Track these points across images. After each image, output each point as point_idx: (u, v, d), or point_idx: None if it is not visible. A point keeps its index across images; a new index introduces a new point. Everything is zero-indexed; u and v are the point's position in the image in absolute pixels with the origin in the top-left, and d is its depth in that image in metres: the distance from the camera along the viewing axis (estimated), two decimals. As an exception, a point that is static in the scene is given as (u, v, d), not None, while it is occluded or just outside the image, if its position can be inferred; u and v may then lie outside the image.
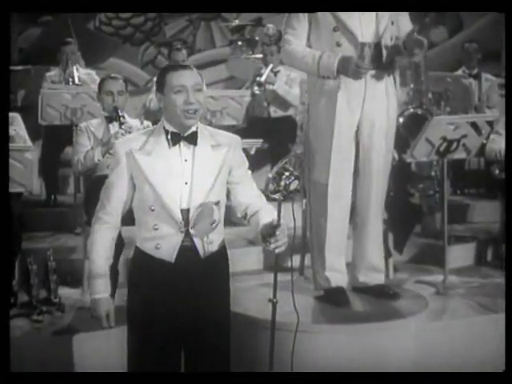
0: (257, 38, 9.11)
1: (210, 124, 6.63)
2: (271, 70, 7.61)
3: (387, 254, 5.35)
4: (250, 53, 9.00)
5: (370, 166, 4.73)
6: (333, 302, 4.71)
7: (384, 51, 4.61)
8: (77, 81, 7.36)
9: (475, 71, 7.82)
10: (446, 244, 5.50)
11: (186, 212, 3.38)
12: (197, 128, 3.43)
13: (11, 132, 5.23)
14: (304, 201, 5.33)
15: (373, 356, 4.35)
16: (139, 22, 10.29)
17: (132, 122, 5.26)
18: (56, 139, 6.98)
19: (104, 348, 4.46)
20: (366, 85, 4.62)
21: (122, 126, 5.08)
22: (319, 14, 4.59)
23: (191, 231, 3.39)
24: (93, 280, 3.45)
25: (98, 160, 5.01)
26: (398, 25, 4.67)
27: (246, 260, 5.95)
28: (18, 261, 5.15)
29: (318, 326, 4.48)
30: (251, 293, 4.95)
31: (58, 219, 6.66)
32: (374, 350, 4.37)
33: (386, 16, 4.59)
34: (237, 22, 9.66)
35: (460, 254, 6.19)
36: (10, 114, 5.24)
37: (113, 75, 5.39)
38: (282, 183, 3.38)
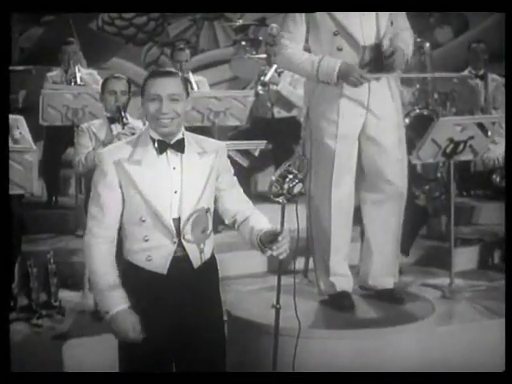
0: (260, 38, 9.05)
1: (214, 124, 6.59)
2: (275, 71, 7.55)
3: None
4: (254, 53, 8.93)
5: (377, 170, 4.65)
6: (338, 306, 4.65)
7: (385, 59, 4.50)
8: (78, 81, 7.32)
9: (482, 72, 7.75)
10: (452, 247, 5.44)
11: (177, 221, 3.30)
12: (183, 135, 3.35)
13: (16, 135, 5.20)
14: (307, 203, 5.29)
15: (377, 362, 4.28)
16: (142, 22, 10.24)
17: (135, 122, 5.21)
18: (58, 140, 6.96)
19: (104, 352, 4.39)
20: (370, 87, 4.53)
21: (125, 127, 5.06)
22: (318, 17, 4.50)
23: (183, 241, 3.30)
24: (106, 294, 3.27)
25: (99, 161, 4.94)
26: (395, 25, 4.59)
27: (249, 263, 5.90)
28: (17, 263, 5.10)
29: (321, 331, 4.41)
30: (255, 297, 4.88)
31: (60, 221, 6.63)
32: (379, 355, 4.31)
33: (385, 16, 4.52)
34: (240, 21, 9.61)
35: (466, 257, 6.16)
36: (15, 117, 5.22)
37: (116, 75, 5.36)
38: (286, 186, 3.30)
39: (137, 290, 3.31)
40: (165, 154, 3.31)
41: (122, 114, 5.13)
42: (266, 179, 7.04)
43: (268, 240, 3.28)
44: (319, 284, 4.79)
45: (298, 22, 4.54)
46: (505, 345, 3.96)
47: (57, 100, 6.35)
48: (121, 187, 3.30)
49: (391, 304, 4.71)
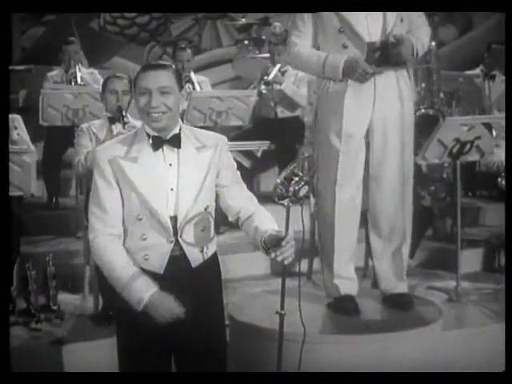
0: (263, 37, 9.02)
1: (216, 124, 6.52)
2: (279, 70, 7.49)
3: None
4: (257, 52, 8.93)
5: (384, 171, 4.59)
6: (342, 310, 4.60)
7: (391, 49, 4.44)
8: (79, 81, 7.27)
9: (494, 72, 7.64)
10: (459, 249, 5.36)
11: (173, 219, 3.22)
12: (179, 130, 3.26)
13: (15, 136, 5.14)
14: (313, 204, 5.23)
15: (383, 367, 4.18)
16: (144, 22, 10.21)
17: (135, 122, 5.14)
18: (58, 140, 6.90)
19: (103, 356, 4.31)
20: (376, 84, 4.49)
21: (126, 127, 5.00)
22: (324, 14, 4.47)
23: (180, 240, 3.23)
24: (131, 285, 3.15)
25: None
26: (409, 21, 4.53)
27: (252, 265, 5.85)
28: (16, 266, 5.04)
29: (326, 336, 4.34)
30: (258, 301, 4.80)
31: (60, 222, 6.57)
32: (384, 360, 4.23)
33: (394, 13, 4.46)
34: (243, 20, 9.59)
35: (472, 259, 6.09)
36: (12, 116, 5.14)
37: (118, 74, 5.31)
38: (291, 189, 3.22)
39: None
40: (161, 150, 3.23)
41: (123, 113, 5.08)
42: (268, 180, 6.99)
43: (272, 244, 3.20)
44: (326, 285, 4.74)
45: (305, 21, 4.54)
46: (505, 345, 3.89)
47: (57, 100, 6.30)
48: (118, 185, 3.23)
49: (398, 309, 4.64)
